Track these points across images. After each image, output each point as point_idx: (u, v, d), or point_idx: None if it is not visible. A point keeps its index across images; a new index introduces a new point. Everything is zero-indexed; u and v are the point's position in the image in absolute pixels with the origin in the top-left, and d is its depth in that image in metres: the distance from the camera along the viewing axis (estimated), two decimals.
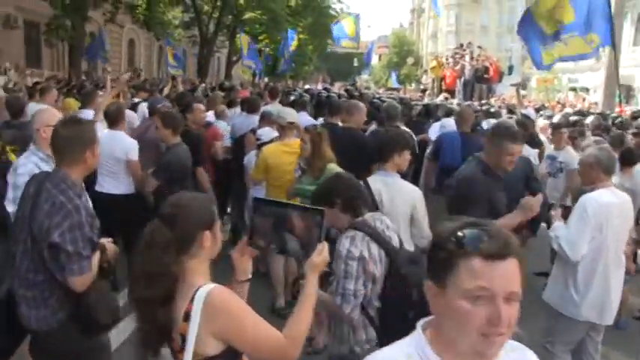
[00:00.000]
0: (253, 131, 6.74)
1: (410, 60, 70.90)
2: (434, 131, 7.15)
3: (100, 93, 9.02)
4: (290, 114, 5.72)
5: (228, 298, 2.02)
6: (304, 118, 8.69)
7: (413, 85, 34.11)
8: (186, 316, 1.96)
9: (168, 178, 5.26)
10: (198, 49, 31.47)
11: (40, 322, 2.86)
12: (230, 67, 33.50)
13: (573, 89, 38.72)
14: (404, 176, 4.20)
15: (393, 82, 36.11)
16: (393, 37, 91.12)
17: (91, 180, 5.72)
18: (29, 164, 3.86)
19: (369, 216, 3.04)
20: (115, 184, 5.73)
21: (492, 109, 11.17)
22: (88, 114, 7.11)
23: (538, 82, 46.85)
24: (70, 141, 2.87)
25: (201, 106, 6.96)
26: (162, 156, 5.54)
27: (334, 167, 4.60)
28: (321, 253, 2.19)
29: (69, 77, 17.67)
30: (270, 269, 5.72)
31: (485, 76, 19.50)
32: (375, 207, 3.87)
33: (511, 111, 12.38)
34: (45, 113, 4.15)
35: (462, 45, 23.37)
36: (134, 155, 5.69)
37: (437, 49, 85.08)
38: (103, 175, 5.71)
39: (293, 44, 23.36)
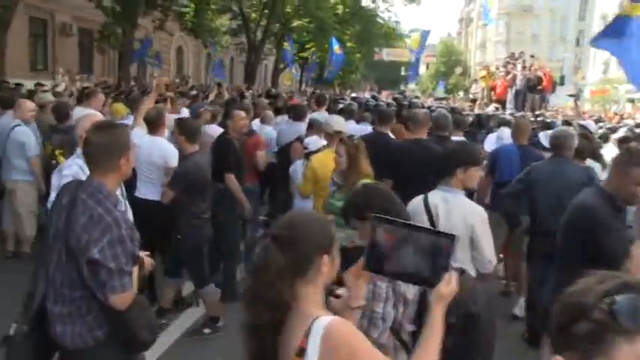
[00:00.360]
0: (300, 139, 6.51)
1: (458, 69, 70.16)
2: (489, 143, 6.77)
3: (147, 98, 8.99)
4: (337, 122, 5.52)
5: (350, 331, 1.79)
6: (352, 127, 8.48)
7: (461, 94, 33.45)
8: (301, 352, 1.74)
9: (187, 189, 5.08)
10: (246, 57, 31.62)
11: (75, 340, 2.70)
12: (277, 75, 33.58)
13: (631, 100, 37.31)
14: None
15: (440, 92, 35.68)
16: (441, 47, 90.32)
17: (129, 184, 5.66)
18: (74, 166, 3.84)
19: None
20: (152, 190, 5.55)
21: (547, 120, 10.73)
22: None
23: (592, 94, 45.59)
24: (103, 148, 2.70)
25: (242, 113, 6.62)
26: (178, 166, 5.37)
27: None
28: (449, 283, 1.91)
29: (118, 83, 17.90)
30: None
31: (539, 86, 18.85)
32: (430, 223, 3.62)
33: (567, 122, 11.89)
34: (87, 118, 4.16)
35: (513, 54, 22.73)
36: (173, 162, 5.50)
37: (485, 58, 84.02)
38: (141, 180, 5.59)
39: (336, 49, 23.19)
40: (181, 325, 5.52)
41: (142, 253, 2.91)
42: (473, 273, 3.62)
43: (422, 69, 69.66)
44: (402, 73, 69.49)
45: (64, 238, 2.62)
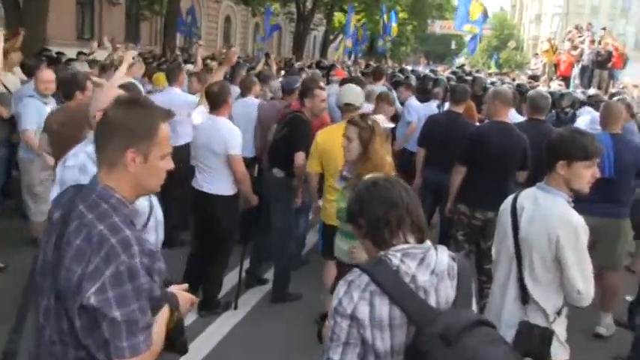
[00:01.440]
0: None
1: (512, 44, 67.65)
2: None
3: (190, 67, 8.38)
4: (350, 93, 4.66)
5: None
6: (414, 104, 7.69)
7: (516, 70, 31.80)
8: None
9: None
10: (295, 26, 30.79)
11: None
12: (327, 46, 32.68)
13: None
14: None
15: (493, 67, 34.09)
16: (494, 20, 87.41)
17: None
18: (81, 154, 2.82)
19: (398, 251, 1.91)
20: (211, 181, 4.79)
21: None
22: (173, 92, 6.46)
23: None
24: (112, 132, 1.81)
25: (324, 93, 5.40)
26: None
27: None
28: None
29: (163, 52, 17.37)
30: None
31: (608, 62, 17.49)
32: (513, 229, 2.91)
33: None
34: (102, 94, 3.07)
35: (577, 27, 21.27)
36: (236, 149, 4.68)
37: (540, 32, 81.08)
38: (199, 169, 4.87)
39: (393, 27, 22.07)
40: (219, 330, 4.88)
41: (177, 288, 2.04)
42: (554, 307, 2.83)
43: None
44: (453, 47, 67.76)
45: (53, 272, 1.77)
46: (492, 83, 11.23)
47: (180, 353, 1.94)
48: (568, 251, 2.71)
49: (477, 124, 6.39)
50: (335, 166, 4.24)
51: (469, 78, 10.94)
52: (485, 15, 20.49)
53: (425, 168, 6.09)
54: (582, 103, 9.52)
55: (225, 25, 37.02)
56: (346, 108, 4.54)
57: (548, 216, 2.79)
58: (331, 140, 4.29)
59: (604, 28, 20.18)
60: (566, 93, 9.33)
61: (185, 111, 5.84)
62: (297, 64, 14.49)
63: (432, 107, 7.46)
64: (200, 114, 5.08)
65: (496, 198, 4.72)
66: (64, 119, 4.48)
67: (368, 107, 5.62)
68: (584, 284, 2.72)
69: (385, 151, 3.62)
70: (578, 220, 2.78)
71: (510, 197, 3.07)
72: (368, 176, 2.13)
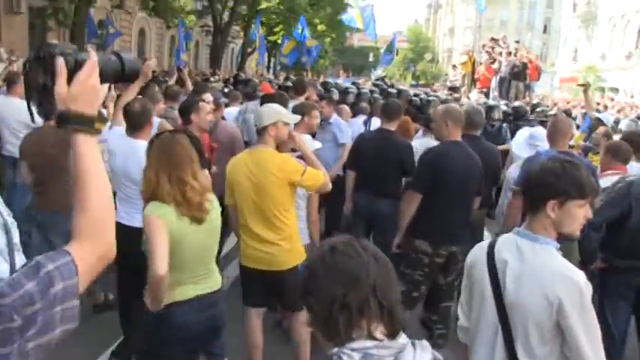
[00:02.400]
0: None
1: (428, 56, 69.21)
2: (520, 145, 5.41)
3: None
4: (274, 113, 3.83)
5: None
6: (342, 122, 7.15)
7: (436, 82, 32.06)
8: None
9: None
10: (212, 39, 29.94)
11: None
12: (244, 59, 31.96)
13: (601, 89, 36.67)
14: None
15: (409, 78, 34.45)
16: (409, 33, 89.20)
17: None
18: None
19: (356, 350, 1.36)
20: (130, 212, 4.13)
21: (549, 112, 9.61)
22: None
23: (561, 82, 45.13)
24: None
25: (207, 106, 5.08)
26: None
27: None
28: None
29: None
30: None
31: (524, 73, 17.76)
32: (494, 290, 2.32)
33: (567, 113, 10.81)
34: None
35: (493, 39, 21.62)
36: None
37: (453, 44, 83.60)
38: (119, 199, 4.20)
39: (308, 38, 21.46)
40: None
41: None
42: None
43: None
44: (370, 60, 68.55)
45: None
46: (416, 95, 10.89)
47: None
48: (574, 317, 2.17)
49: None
50: (246, 201, 3.74)
51: (393, 91, 10.53)
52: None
53: (355, 192, 5.49)
54: (506, 115, 9.37)
55: (139, 39, 35.68)
56: (262, 130, 3.84)
57: (543, 274, 2.21)
58: (238, 170, 3.79)
59: (517, 41, 20.62)
60: (495, 105, 9.11)
61: None
62: (212, 79, 13.74)
63: (358, 124, 6.97)
64: (114, 136, 4.36)
65: (461, 230, 4.26)
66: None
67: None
68: (595, 355, 2.17)
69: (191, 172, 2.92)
70: (581, 276, 2.22)
71: (483, 246, 2.47)
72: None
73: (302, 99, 7.83)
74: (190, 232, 2.88)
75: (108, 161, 4.19)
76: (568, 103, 19.69)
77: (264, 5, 30.76)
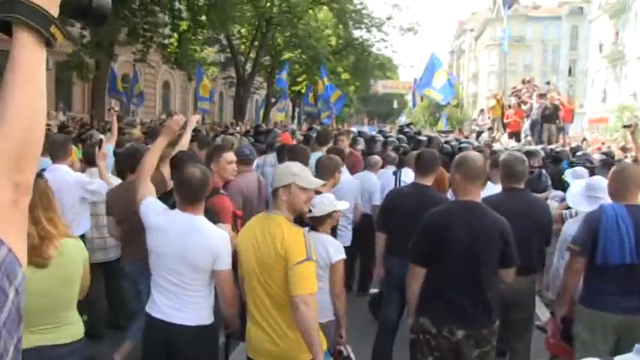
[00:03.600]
0: None
1: (453, 101, 68.87)
2: (577, 197, 4.66)
3: (101, 136, 7.21)
4: (288, 174, 3.13)
5: None
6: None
7: (465, 127, 31.10)
8: None
9: None
10: (235, 91, 29.94)
11: None
12: (268, 109, 31.87)
13: (625, 127, 35.25)
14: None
15: (443, 125, 33.71)
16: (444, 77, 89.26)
17: None
18: None
19: None
20: (182, 307, 3.36)
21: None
22: (58, 170, 4.99)
23: (590, 122, 44.19)
24: None
25: (231, 155, 4.75)
26: None
27: None
28: None
29: (91, 120, 16.01)
30: None
31: (556, 116, 17.12)
32: None
33: (606, 155, 10.05)
34: None
35: (524, 81, 21.07)
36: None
37: (478, 89, 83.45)
38: (159, 289, 3.39)
39: (324, 81, 20.91)
40: None
41: None
42: None
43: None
44: (395, 106, 68.46)
45: None
46: (447, 142, 10.29)
47: None
48: None
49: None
50: (249, 279, 3.12)
51: (423, 138, 9.92)
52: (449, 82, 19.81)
53: (387, 257, 4.80)
54: (544, 160, 8.72)
55: (163, 91, 35.95)
56: (282, 190, 3.11)
57: None
58: (245, 238, 3.18)
59: (548, 83, 20.04)
60: (534, 150, 8.45)
61: (77, 194, 4.69)
62: (231, 130, 13.34)
63: (388, 176, 6.34)
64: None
65: (469, 309, 3.47)
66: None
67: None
68: None
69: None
70: None
71: None
72: None
73: (324, 150, 7.28)
74: (31, 276, 2.33)
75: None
76: (603, 144, 18.93)
77: (287, 55, 30.79)
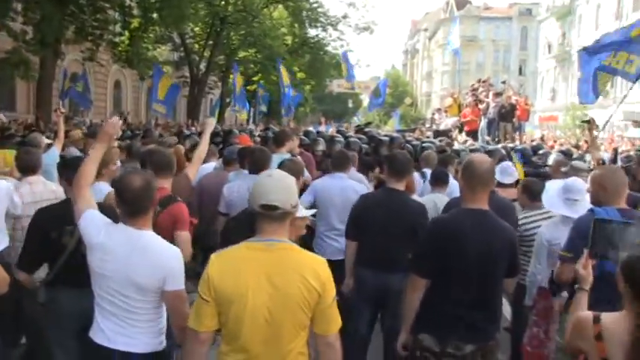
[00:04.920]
0: None
1: (407, 100, 69.52)
2: (554, 200, 4.45)
3: (47, 140, 6.73)
4: (278, 188, 2.60)
5: None
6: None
7: (424, 126, 30.83)
8: None
9: None
10: (189, 90, 29.30)
11: None
12: (223, 110, 31.32)
13: (584, 122, 35.99)
14: None
15: (395, 124, 33.70)
16: (388, 78, 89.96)
17: None
18: None
19: None
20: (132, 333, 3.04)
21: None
22: None
23: (540, 120, 45.07)
24: None
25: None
26: None
27: None
28: None
29: (36, 121, 15.24)
30: None
31: (512, 114, 17.22)
32: None
33: (564, 153, 10.02)
34: None
35: (480, 80, 21.19)
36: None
37: (431, 88, 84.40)
38: (105, 314, 3.04)
39: (290, 86, 20.55)
40: None
41: None
42: None
43: (366, 101, 69.20)
44: (350, 106, 68.43)
45: None
46: (408, 142, 10.08)
47: None
48: None
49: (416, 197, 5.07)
50: (251, 326, 2.54)
51: (385, 138, 9.66)
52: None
53: (357, 266, 4.47)
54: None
55: (115, 91, 34.98)
56: (268, 213, 2.58)
57: None
58: (237, 276, 2.55)
59: (504, 82, 20.19)
60: (495, 149, 8.32)
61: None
62: (186, 131, 12.85)
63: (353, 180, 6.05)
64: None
65: (479, 324, 3.23)
66: None
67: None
68: None
69: None
70: None
71: None
72: None
73: (283, 151, 6.95)
74: None
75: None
76: (555, 142, 19.18)
77: (241, 54, 30.35)
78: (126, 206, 2.92)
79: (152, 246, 2.93)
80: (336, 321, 2.62)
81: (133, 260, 2.85)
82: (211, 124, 5.54)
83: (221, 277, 2.52)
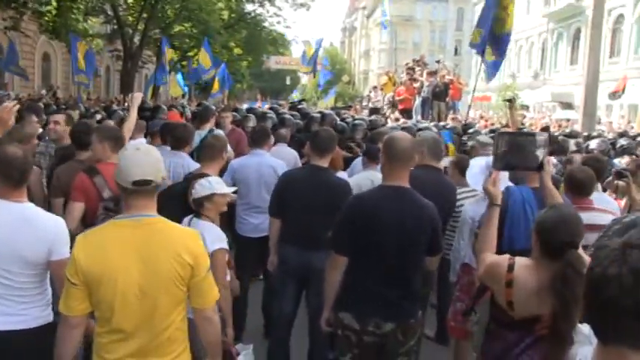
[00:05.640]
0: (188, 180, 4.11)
1: (345, 78, 69.65)
2: (477, 177, 4.57)
3: None
4: (149, 163, 2.52)
5: None
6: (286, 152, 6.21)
7: (363, 103, 30.80)
8: None
9: None
10: (122, 65, 28.36)
11: None
12: (158, 85, 30.56)
13: (506, 101, 36.94)
14: None
15: (331, 101, 33.67)
16: (326, 55, 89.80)
17: None
18: None
19: None
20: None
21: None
22: None
23: (474, 100, 46.10)
24: None
25: None
26: None
27: None
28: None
29: None
30: None
31: (445, 93, 17.49)
32: None
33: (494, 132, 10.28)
34: None
35: (415, 60, 21.42)
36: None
37: (369, 66, 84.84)
38: None
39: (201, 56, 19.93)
40: None
41: None
42: None
43: (304, 79, 69.00)
44: (288, 83, 68.10)
45: None
46: (342, 119, 10.11)
47: None
48: None
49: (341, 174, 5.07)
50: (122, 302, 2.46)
51: (317, 115, 9.63)
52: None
53: (281, 244, 4.43)
54: None
55: (43, 64, 33.51)
56: (135, 189, 2.48)
57: None
58: (106, 259, 2.46)
59: (438, 61, 20.46)
60: (425, 127, 8.42)
61: None
62: (116, 107, 12.45)
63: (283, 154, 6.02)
64: None
65: (398, 301, 3.25)
66: None
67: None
68: None
69: None
70: None
71: None
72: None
73: (207, 127, 6.87)
74: None
75: None
76: (486, 121, 19.62)
77: (177, 29, 29.57)
78: (4, 179, 2.83)
79: (35, 217, 2.87)
80: (211, 294, 2.61)
81: (18, 234, 2.78)
82: (138, 97, 5.41)
83: (88, 259, 2.42)
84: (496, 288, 2.77)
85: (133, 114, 5.19)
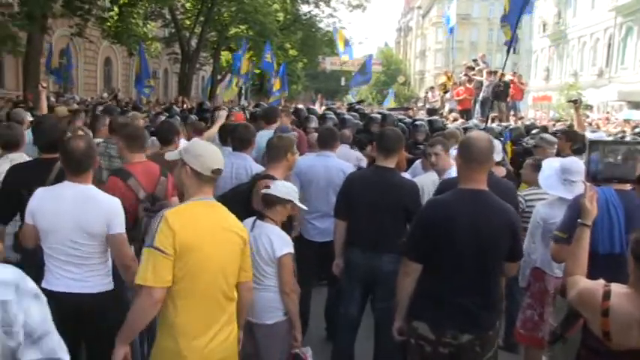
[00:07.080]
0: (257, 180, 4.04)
1: (400, 79, 69.13)
2: (551, 180, 4.28)
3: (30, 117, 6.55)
4: (220, 154, 2.90)
5: None
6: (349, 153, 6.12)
7: (419, 104, 30.23)
8: None
9: None
10: (180, 67, 28.91)
11: None
12: (215, 87, 30.98)
13: (571, 101, 35.49)
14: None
15: (392, 102, 33.29)
16: (381, 56, 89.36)
17: None
18: None
19: None
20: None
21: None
22: None
23: (534, 100, 44.87)
24: None
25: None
26: None
27: None
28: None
29: (24, 98, 14.93)
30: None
31: (506, 93, 17.00)
32: None
33: (545, 129, 9.88)
34: None
35: (475, 60, 20.94)
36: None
37: (425, 67, 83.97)
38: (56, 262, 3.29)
39: (267, 57, 20.20)
40: None
41: None
42: None
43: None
44: (342, 84, 68.07)
45: None
46: (400, 120, 9.93)
47: None
48: None
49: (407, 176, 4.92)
50: (215, 291, 2.80)
51: (377, 116, 9.46)
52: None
53: (347, 247, 4.32)
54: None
55: (105, 68, 34.55)
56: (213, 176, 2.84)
57: None
58: (200, 236, 2.72)
59: (475, 60, 19.99)
60: (489, 128, 8.17)
61: None
62: (176, 107, 12.62)
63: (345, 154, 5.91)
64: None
65: (476, 311, 3.08)
66: None
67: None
68: None
69: None
70: None
71: None
72: None
73: (273, 128, 6.81)
74: None
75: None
76: (549, 122, 19.00)
77: (233, 31, 29.90)
78: (72, 165, 3.28)
79: (95, 196, 3.31)
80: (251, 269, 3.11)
81: (82, 210, 3.22)
82: (223, 116, 6.38)
83: (182, 229, 2.64)
84: (590, 316, 2.52)
85: (216, 128, 5.93)
